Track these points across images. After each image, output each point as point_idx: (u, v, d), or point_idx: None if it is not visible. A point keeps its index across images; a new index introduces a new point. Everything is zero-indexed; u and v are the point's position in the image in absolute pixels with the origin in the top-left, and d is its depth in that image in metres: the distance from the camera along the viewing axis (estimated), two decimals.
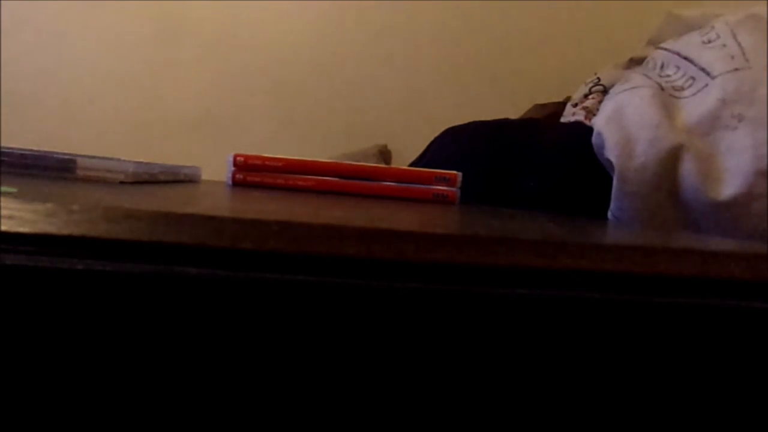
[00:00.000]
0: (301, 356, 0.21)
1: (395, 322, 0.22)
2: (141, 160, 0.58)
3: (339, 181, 0.63)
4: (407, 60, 1.53)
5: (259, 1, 1.51)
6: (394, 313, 0.22)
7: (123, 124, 1.51)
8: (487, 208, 0.56)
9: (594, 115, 0.82)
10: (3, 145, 0.47)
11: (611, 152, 0.65)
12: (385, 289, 0.22)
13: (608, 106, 0.71)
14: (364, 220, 0.26)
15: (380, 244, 0.22)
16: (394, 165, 1.03)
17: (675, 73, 0.70)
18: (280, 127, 1.53)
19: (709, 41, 0.69)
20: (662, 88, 0.68)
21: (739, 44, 0.66)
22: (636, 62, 0.87)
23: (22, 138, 1.46)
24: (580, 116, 0.86)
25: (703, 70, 0.67)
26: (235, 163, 0.63)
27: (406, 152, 1.40)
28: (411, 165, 0.83)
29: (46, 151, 0.47)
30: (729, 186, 0.60)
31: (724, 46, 0.67)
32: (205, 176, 0.71)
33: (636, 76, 0.73)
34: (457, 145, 0.83)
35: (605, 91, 0.87)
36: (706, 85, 0.65)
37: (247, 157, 0.63)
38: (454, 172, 0.64)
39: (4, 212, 0.21)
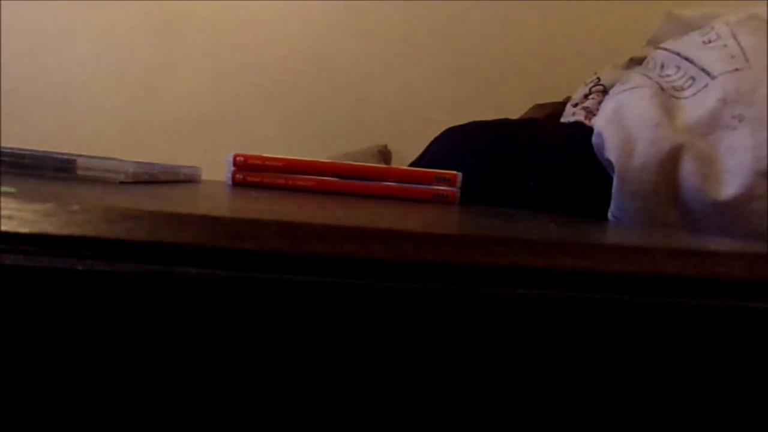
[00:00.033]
0: (301, 356, 0.21)
1: (395, 322, 0.22)
2: (141, 160, 0.58)
3: (339, 181, 0.63)
4: (407, 60, 1.53)
5: (259, 0, 1.51)
6: (394, 314, 0.22)
7: (123, 124, 1.51)
8: (487, 208, 0.56)
9: (594, 115, 0.82)
10: (3, 145, 0.47)
11: (611, 152, 0.65)
12: (385, 289, 0.22)
13: (608, 107, 0.71)
14: (364, 220, 0.26)
15: (380, 244, 0.22)
16: (394, 165, 1.03)
17: (675, 73, 0.70)
18: (280, 127, 1.53)
19: (710, 41, 0.69)
20: (662, 88, 0.68)
21: (740, 44, 0.66)
22: (636, 62, 0.87)
23: (22, 138, 1.46)
24: (580, 116, 0.86)
25: (703, 70, 0.67)
26: (235, 163, 0.63)
27: (406, 152, 1.40)
28: (411, 165, 0.83)
29: (46, 151, 0.47)
30: (729, 186, 0.60)
31: (725, 46, 0.67)
32: (205, 176, 0.71)
33: (636, 76, 0.73)
34: (457, 145, 0.83)
35: (605, 91, 0.87)
36: (706, 85, 0.65)
37: (247, 157, 0.63)
38: (454, 172, 0.64)
39: (4, 212, 0.21)
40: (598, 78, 0.91)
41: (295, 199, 0.42)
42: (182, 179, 0.60)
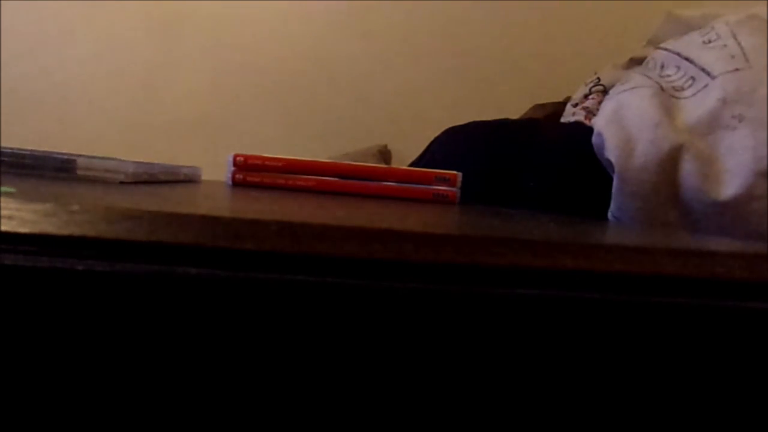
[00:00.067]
0: (302, 356, 0.21)
1: (395, 322, 0.22)
2: (141, 160, 0.58)
3: (339, 181, 0.63)
4: (407, 60, 1.53)
5: (259, 0, 1.51)
6: (394, 313, 0.22)
7: (123, 124, 1.51)
8: (487, 208, 0.56)
9: (594, 115, 0.82)
10: (3, 145, 0.47)
11: (611, 152, 0.65)
12: (385, 289, 0.22)
13: (608, 107, 0.71)
14: (364, 220, 0.26)
15: (380, 244, 0.22)
16: (394, 165, 1.03)
17: (675, 73, 0.70)
18: (280, 127, 1.53)
19: (710, 41, 0.69)
20: (662, 88, 0.68)
21: (740, 44, 0.66)
22: (636, 62, 0.87)
23: (22, 138, 1.46)
24: (580, 116, 0.86)
25: (703, 70, 0.67)
26: (235, 163, 0.63)
27: (406, 152, 1.40)
28: (411, 165, 0.83)
29: (46, 151, 0.47)
30: (729, 186, 0.60)
31: (725, 46, 0.67)
32: (205, 176, 0.71)
33: (636, 76, 0.73)
34: (457, 145, 0.83)
35: (605, 91, 0.87)
36: (707, 85, 0.65)
37: (247, 157, 0.63)
38: (454, 172, 0.64)
39: (4, 212, 0.21)
40: (598, 78, 0.91)
41: (295, 199, 0.42)
42: (182, 179, 0.60)
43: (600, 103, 0.83)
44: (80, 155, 0.46)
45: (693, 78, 0.67)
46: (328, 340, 0.22)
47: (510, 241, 0.23)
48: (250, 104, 1.52)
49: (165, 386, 0.21)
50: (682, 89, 0.67)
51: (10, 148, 0.45)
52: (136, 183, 0.45)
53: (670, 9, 0.86)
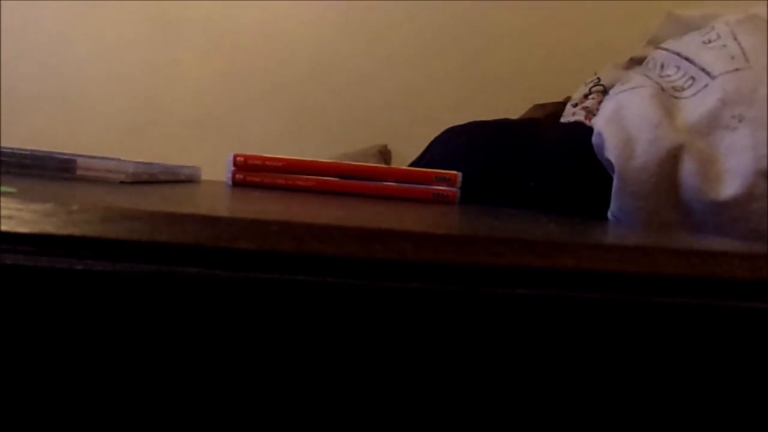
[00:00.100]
0: (302, 356, 0.21)
1: (395, 322, 0.22)
2: (141, 160, 0.58)
3: (339, 181, 0.63)
4: (407, 60, 1.53)
5: (259, 1, 1.51)
6: (394, 313, 0.22)
7: (123, 124, 1.51)
8: (487, 208, 0.56)
9: (594, 115, 0.82)
10: (3, 145, 0.47)
11: (611, 152, 0.65)
12: (385, 289, 0.22)
13: (608, 107, 0.71)
14: (364, 220, 0.26)
15: (380, 244, 0.22)
16: (394, 165, 1.03)
17: (675, 73, 0.70)
18: (280, 127, 1.53)
19: (710, 41, 0.69)
20: (662, 89, 0.68)
21: (740, 44, 0.66)
22: (636, 62, 0.87)
23: (22, 138, 1.46)
24: (580, 116, 0.86)
25: (703, 70, 0.67)
26: (235, 163, 0.63)
27: (406, 152, 1.40)
28: (411, 165, 0.83)
29: (46, 151, 0.47)
30: (729, 186, 0.60)
31: (725, 46, 0.67)
32: (205, 176, 0.71)
33: (636, 76, 0.73)
34: (457, 145, 0.83)
35: (605, 91, 0.87)
36: (707, 85, 0.65)
37: (247, 157, 0.63)
38: (454, 172, 0.64)
39: (4, 212, 0.21)
40: (598, 78, 0.91)
41: (295, 199, 0.42)
42: (182, 179, 0.60)
43: (600, 103, 0.83)
44: (80, 155, 0.46)
45: (693, 78, 0.67)
46: (328, 340, 0.22)
47: (510, 241, 0.23)
48: (250, 104, 1.52)
49: (165, 386, 0.21)
50: (682, 89, 0.67)
51: (10, 148, 0.46)
52: (136, 183, 0.45)
53: (670, 9, 0.86)
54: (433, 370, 0.22)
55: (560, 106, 0.99)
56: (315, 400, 0.22)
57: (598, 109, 0.81)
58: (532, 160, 0.74)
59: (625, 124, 0.66)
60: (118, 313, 0.20)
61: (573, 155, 0.72)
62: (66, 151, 0.51)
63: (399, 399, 0.22)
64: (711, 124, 0.62)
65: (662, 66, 0.73)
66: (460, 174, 0.64)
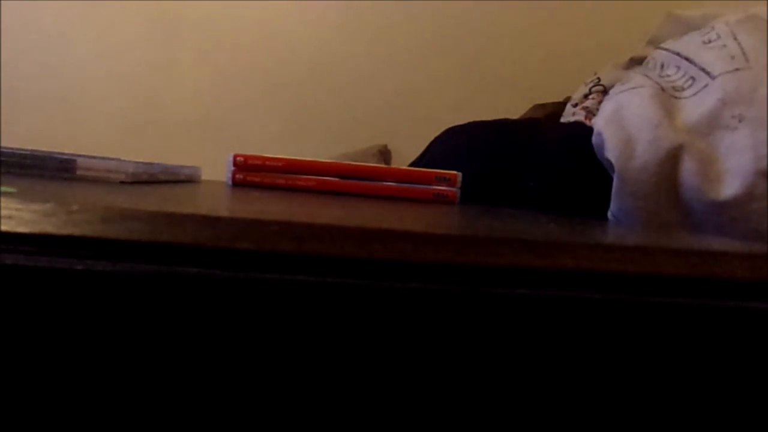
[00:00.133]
0: (301, 356, 0.21)
1: (395, 322, 0.22)
2: (141, 160, 0.58)
3: (339, 181, 0.63)
4: (407, 60, 1.53)
5: (259, 1, 1.51)
6: (394, 313, 0.22)
7: (123, 124, 1.51)
8: (487, 208, 0.56)
9: (594, 115, 0.82)
10: (3, 145, 0.47)
11: (611, 152, 0.65)
12: (385, 289, 0.22)
13: (608, 107, 0.71)
14: (364, 220, 0.26)
15: (380, 244, 0.22)
16: (394, 165, 1.03)
17: (675, 73, 0.70)
18: (280, 127, 1.53)
19: (710, 41, 0.69)
20: (662, 88, 0.68)
21: (740, 44, 0.66)
22: (636, 62, 0.87)
23: (22, 138, 1.46)
24: (580, 116, 0.86)
25: (703, 70, 0.67)
26: (235, 163, 0.63)
27: (406, 152, 1.40)
28: (411, 165, 0.83)
29: (46, 151, 0.47)
30: (729, 186, 0.60)
31: (725, 46, 0.67)
32: (205, 176, 0.71)
33: (636, 76, 0.73)
34: (457, 145, 0.83)
35: (605, 91, 0.87)
36: (707, 85, 0.65)
37: (247, 157, 0.63)
38: (454, 172, 0.64)
39: (4, 212, 0.21)
40: (598, 78, 0.91)
41: (295, 199, 0.42)
42: (182, 179, 0.60)
43: (600, 103, 0.83)
44: (80, 155, 0.46)
45: (693, 78, 0.67)
46: (328, 340, 0.22)
47: (510, 241, 0.23)
48: (250, 104, 1.52)
49: (165, 386, 0.21)
50: (682, 89, 0.67)
51: (10, 148, 0.46)
52: (136, 183, 0.45)
53: (670, 9, 0.86)
54: (433, 370, 0.22)
55: (560, 106, 0.99)
56: (315, 400, 0.22)
57: (598, 109, 0.81)
58: (532, 160, 0.74)
59: (625, 124, 0.66)
60: (119, 313, 0.20)
61: (573, 155, 0.72)
62: (66, 151, 0.51)
63: (399, 399, 0.22)
64: (711, 124, 0.62)
65: (662, 66, 0.73)
66: (460, 174, 0.64)
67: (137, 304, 0.20)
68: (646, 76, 0.72)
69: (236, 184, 0.63)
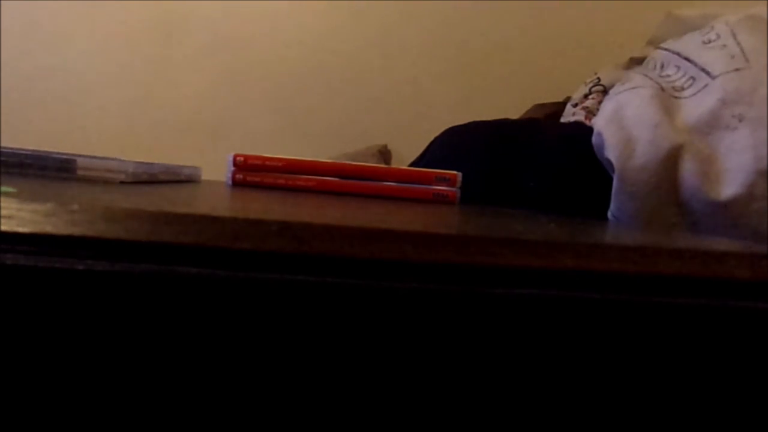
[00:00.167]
0: (301, 356, 0.21)
1: (395, 322, 0.22)
2: (141, 160, 0.58)
3: (339, 181, 0.63)
4: (407, 60, 1.53)
5: (258, 1, 1.51)
6: (394, 313, 0.22)
7: (123, 124, 1.51)
8: (487, 208, 0.56)
9: (594, 115, 0.82)
10: (3, 145, 0.47)
11: (611, 152, 0.65)
12: (385, 289, 0.22)
13: (608, 107, 0.71)
14: (364, 220, 0.26)
15: (380, 244, 0.22)
16: (394, 165, 1.03)
17: (675, 73, 0.70)
18: (280, 127, 1.53)
19: (709, 41, 0.69)
20: (662, 88, 0.68)
21: (739, 44, 0.66)
22: (636, 62, 0.87)
23: (22, 138, 1.46)
24: (580, 116, 0.86)
25: (703, 70, 0.67)
26: (235, 163, 0.63)
27: (406, 152, 1.40)
28: (411, 165, 0.83)
29: (46, 151, 0.47)
30: (729, 186, 0.60)
31: (724, 46, 0.67)
32: (205, 176, 0.71)
33: (636, 76, 0.73)
34: (457, 145, 0.83)
35: (605, 91, 0.87)
36: (707, 85, 0.65)
37: (247, 157, 0.63)
38: (454, 172, 0.64)
39: (4, 212, 0.21)
40: (598, 78, 0.91)
41: (295, 199, 0.42)
42: (182, 179, 0.60)
43: (600, 103, 0.83)
44: (80, 155, 0.46)
45: (693, 78, 0.67)
46: (328, 340, 0.22)
47: (510, 241, 0.23)
48: (250, 104, 1.52)
49: (165, 386, 0.21)
50: (682, 89, 0.67)
51: (10, 148, 0.46)
52: (136, 183, 0.45)
53: (670, 9, 0.86)
54: (433, 371, 0.22)
55: (560, 106, 0.99)
56: (315, 399, 0.22)
57: (598, 109, 0.81)
58: (532, 160, 0.74)
59: (625, 124, 0.66)
60: (119, 313, 0.20)
61: (573, 155, 0.72)
62: (66, 151, 0.51)
63: (399, 399, 0.22)
64: (711, 124, 0.62)
65: (662, 66, 0.73)
66: (460, 174, 0.64)
67: (137, 304, 0.20)
68: (646, 76, 0.72)
69: (236, 184, 0.63)
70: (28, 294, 0.20)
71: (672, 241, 0.29)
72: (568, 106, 0.93)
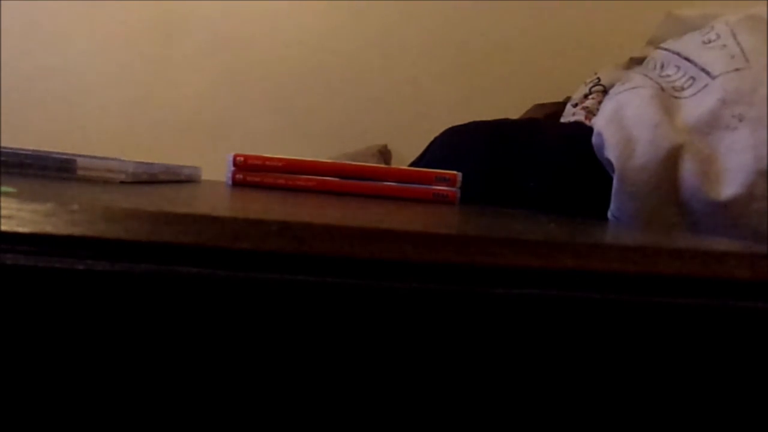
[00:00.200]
0: (301, 356, 0.21)
1: (395, 322, 0.22)
2: (141, 160, 0.58)
3: (339, 181, 0.63)
4: (407, 60, 1.53)
5: (259, 1, 1.51)
6: (394, 313, 0.22)
7: (123, 124, 1.51)
8: (487, 208, 0.56)
9: (594, 115, 0.82)
10: (3, 145, 0.47)
11: (611, 152, 0.66)
12: (385, 289, 0.22)
13: (608, 106, 0.71)
14: (364, 220, 0.26)
15: (380, 244, 0.22)
16: (394, 165, 1.03)
17: (675, 73, 0.70)
18: (280, 127, 1.53)
19: (709, 41, 0.69)
20: (662, 88, 0.68)
21: (739, 44, 0.66)
22: (636, 62, 0.87)
23: (22, 138, 1.46)
24: (580, 116, 0.86)
25: (703, 70, 0.67)
26: (235, 163, 0.63)
27: (406, 152, 1.40)
28: (411, 165, 0.83)
29: (46, 151, 0.47)
30: (729, 186, 0.60)
31: (724, 46, 0.67)
32: (205, 176, 0.71)
33: (636, 76, 0.73)
34: (457, 145, 0.83)
35: (605, 91, 0.87)
36: (707, 85, 0.65)
37: (247, 157, 0.63)
38: (454, 172, 0.64)
39: (4, 212, 0.21)
40: (598, 78, 0.91)
41: (296, 199, 0.42)
42: (182, 179, 0.60)
43: (600, 103, 0.83)
44: (80, 155, 0.46)
45: (693, 78, 0.67)
46: (328, 340, 0.22)
47: (510, 241, 0.23)
48: (250, 104, 1.52)
49: (165, 386, 0.21)
50: (682, 89, 0.67)
51: (10, 148, 0.46)
52: (136, 183, 0.45)
53: (670, 9, 0.86)
54: (433, 371, 0.22)
55: (560, 106, 0.99)
56: (315, 399, 0.22)
57: (598, 109, 0.81)
58: (532, 160, 0.74)
59: (625, 124, 0.66)
60: (118, 313, 0.20)
61: (573, 155, 0.72)
62: (66, 151, 0.51)
63: (399, 399, 0.22)
64: (711, 124, 0.62)
65: (662, 66, 0.73)
66: (460, 174, 0.64)
67: (137, 304, 0.20)
68: (646, 76, 0.72)
69: (236, 184, 0.63)
70: (28, 294, 0.20)
71: (672, 241, 0.29)
72: (568, 106, 0.93)
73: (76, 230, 0.21)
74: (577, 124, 0.83)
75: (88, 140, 1.49)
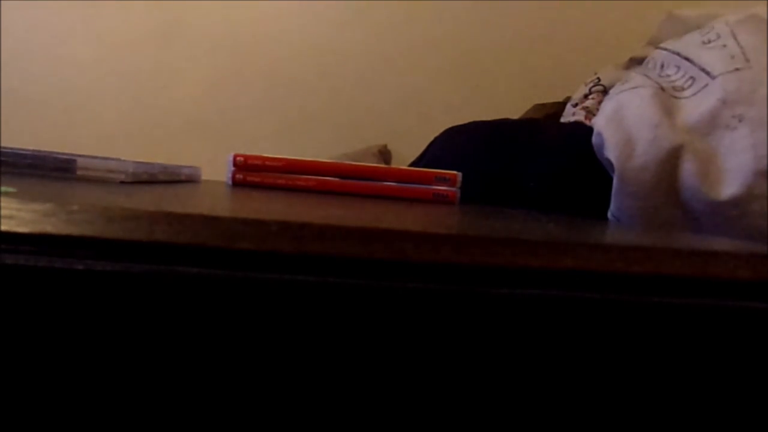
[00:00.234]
0: (301, 356, 0.21)
1: (395, 322, 0.22)
2: (141, 160, 0.58)
3: (339, 181, 0.63)
4: (407, 60, 1.53)
5: (259, 1, 1.51)
6: (394, 313, 0.22)
7: (123, 124, 1.51)
8: (487, 208, 0.56)
9: (594, 115, 0.82)
10: (3, 145, 0.47)
11: (611, 152, 0.65)
12: (385, 289, 0.22)
13: (608, 106, 0.71)
14: (364, 220, 0.26)
15: (380, 244, 0.22)
16: (394, 165, 1.03)
17: (675, 73, 0.70)
18: (280, 127, 1.53)
19: (709, 41, 0.69)
20: (662, 88, 0.68)
21: (740, 44, 0.66)
22: (636, 62, 0.87)
23: (22, 138, 1.46)
24: (580, 116, 0.86)
25: (703, 70, 0.67)
26: (235, 163, 0.63)
27: (406, 152, 1.40)
28: (411, 165, 0.83)
29: (46, 151, 0.47)
30: (729, 186, 0.60)
31: (725, 46, 0.67)
32: (205, 176, 0.71)
33: (636, 76, 0.73)
34: (457, 145, 0.83)
35: (605, 91, 0.87)
36: (707, 85, 0.65)
37: (247, 157, 0.63)
38: (454, 172, 0.64)
39: (4, 212, 0.21)
40: (598, 78, 0.91)
41: (295, 199, 0.42)
42: (182, 179, 0.60)
43: (600, 103, 0.83)
44: (80, 155, 0.46)
45: (693, 78, 0.67)
46: (328, 339, 0.22)
47: (510, 241, 0.23)
48: (250, 104, 1.52)
49: (165, 386, 0.21)
50: (682, 89, 0.67)
51: (10, 148, 0.46)
52: (136, 183, 0.45)
53: (670, 9, 0.86)
54: (433, 370, 0.22)
55: (560, 106, 0.99)
56: (315, 399, 0.22)
57: (598, 109, 0.81)
58: (532, 160, 0.74)
59: (625, 124, 0.66)
60: (118, 313, 0.20)
61: (573, 155, 0.72)
62: (66, 151, 0.51)
63: (399, 398, 0.22)
64: (711, 124, 0.62)
65: (662, 66, 0.73)
66: (460, 174, 0.64)
67: (137, 304, 0.20)
68: (646, 76, 0.72)
69: (236, 184, 0.63)
70: (28, 294, 0.20)
71: (672, 241, 0.29)
72: (568, 106, 0.93)
73: (76, 230, 0.21)
74: (577, 124, 0.83)
75: (88, 140, 1.49)
